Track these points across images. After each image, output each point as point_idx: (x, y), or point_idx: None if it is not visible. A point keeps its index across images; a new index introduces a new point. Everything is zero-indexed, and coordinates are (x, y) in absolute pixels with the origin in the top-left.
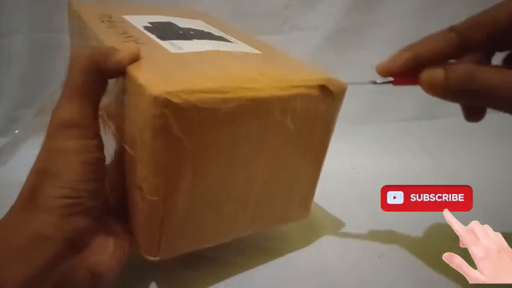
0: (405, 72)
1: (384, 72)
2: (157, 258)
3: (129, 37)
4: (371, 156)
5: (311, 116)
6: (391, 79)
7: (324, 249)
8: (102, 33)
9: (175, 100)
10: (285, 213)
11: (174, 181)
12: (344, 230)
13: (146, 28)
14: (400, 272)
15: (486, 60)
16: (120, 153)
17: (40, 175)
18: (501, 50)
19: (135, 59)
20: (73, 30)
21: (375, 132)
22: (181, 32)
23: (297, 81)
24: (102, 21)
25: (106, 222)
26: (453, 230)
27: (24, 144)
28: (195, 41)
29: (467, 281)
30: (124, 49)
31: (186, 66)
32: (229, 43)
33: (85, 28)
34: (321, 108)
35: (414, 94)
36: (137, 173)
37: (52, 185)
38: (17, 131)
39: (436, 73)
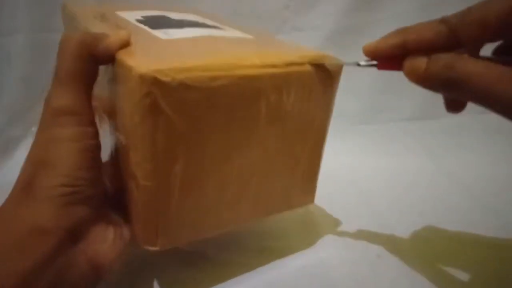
0: (391, 56)
1: (370, 53)
2: (156, 248)
3: (120, 29)
4: (371, 156)
5: (308, 96)
6: (375, 62)
7: (323, 249)
8: (94, 27)
9: (162, 78)
10: (288, 198)
11: (167, 165)
12: (344, 230)
13: (138, 21)
14: (399, 273)
15: (475, 50)
16: (116, 146)
17: (36, 165)
18: (491, 41)
19: (125, 44)
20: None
21: (375, 132)
22: (174, 22)
23: (290, 58)
24: (95, 18)
25: (105, 213)
26: (451, 231)
27: (20, 144)
28: (186, 29)
29: (466, 282)
30: (113, 34)
31: (176, 49)
32: (222, 30)
33: (79, 26)
34: (318, 87)
35: (414, 94)
36: (131, 161)
37: (49, 174)
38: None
39: (418, 61)
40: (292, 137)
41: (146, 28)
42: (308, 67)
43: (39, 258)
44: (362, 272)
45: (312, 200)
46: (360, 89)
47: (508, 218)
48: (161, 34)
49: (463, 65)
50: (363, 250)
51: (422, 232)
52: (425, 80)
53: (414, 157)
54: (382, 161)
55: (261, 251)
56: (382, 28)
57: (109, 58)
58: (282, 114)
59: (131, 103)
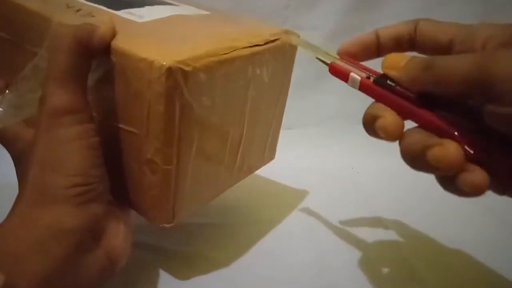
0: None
1: (341, 51)
2: (171, 224)
3: (79, 10)
4: (371, 156)
5: (278, 67)
6: (328, 61)
7: (322, 249)
8: (45, 9)
9: (186, 68)
10: (261, 157)
11: (186, 147)
12: (343, 230)
13: None
14: (400, 274)
15: None
16: (110, 139)
17: (44, 167)
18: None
19: (115, 33)
20: None
21: None
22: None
23: (267, 37)
24: None
25: (112, 208)
26: (452, 231)
27: None
28: (147, 8)
29: (465, 282)
30: (101, 24)
31: (167, 34)
32: (176, 6)
33: (11, 11)
34: (284, 58)
35: None
36: (145, 149)
37: (62, 175)
38: None
39: (400, 56)
40: (267, 104)
41: (104, 8)
42: (278, 43)
43: (60, 257)
44: (362, 273)
45: (274, 157)
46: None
47: (508, 217)
48: (129, 16)
49: (442, 60)
50: (363, 251)
51: (422, 232)
52: (403, 74)
53: None
54: (382, 161)
55: (258, 252)
56: None
57: (104, 50)
58: (262, 85)
59: (153, 94)
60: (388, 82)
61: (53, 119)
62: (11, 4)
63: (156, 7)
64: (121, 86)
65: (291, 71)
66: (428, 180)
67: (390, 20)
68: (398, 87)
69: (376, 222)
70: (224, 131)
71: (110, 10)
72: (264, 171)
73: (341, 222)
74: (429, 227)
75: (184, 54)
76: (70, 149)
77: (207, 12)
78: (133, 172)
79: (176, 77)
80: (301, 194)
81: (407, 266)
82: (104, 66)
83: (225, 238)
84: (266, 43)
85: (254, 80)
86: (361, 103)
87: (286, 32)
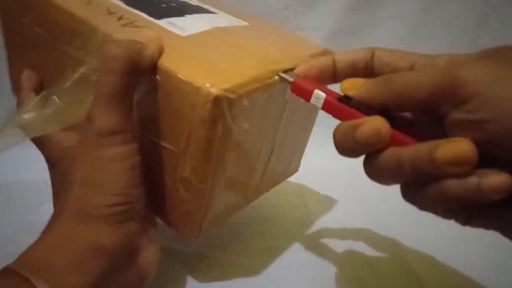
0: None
1: (299, 73)
2: (197, 238)
3: (120, 18)
4: None
5: None
6: (291, 79)
7: (321, 248)
8: (87, 15)
9: (231, 96)
10: (285, 171)
11: (221, 167)
12: (344, 230)
13: (124, 2)
14: (400, 273)
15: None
16: (148, 152)
17: (86, 185)
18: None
19: (162, 51)
20: (15, 19)
21: None
22: (163, 5)
23: (307, 57)
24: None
25: (144, 225)
26: (451, 231)
27: None
28: (187, 16)
29: (466, 282)
30: (149, 42)
31: (212, 53)
32: (214, 14)
33: (50, 10)
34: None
35: None
36: (181, 166)
37: (103, 194)
38: None
39: (357, 79)
40: (299, 121)
41: (145, 16)
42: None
43: (98, 274)
44: (363, 272)
45: (298, 169)
46: None
47: None
48: (171, 27)
49: (398, 76)
50: (363, 251)
51: (422, 232)
52: (363, 93)
53: None
54: None
55: (261, 251)
56: (382, 28)
57: (152, 69)
58: (297, 105)
59: (196, 118)
60: (353, 101)
61: (99, 139)
62: (53, 5)
63: (195, 16)
64: (163, 104)
65: None
66: None
67: (390, 20)
68: (362, 106)
69: (376, 222)
70: (256, 150)
71: (151, 18)
72: None
73: (341, 222)
74: (429, 227)
75: (230, 81)
76: (114, 168)
77: (246, 23)
78: (166, 186)
79: (222, 105)
80: (300, 192)
81: (407, 266)
82: (148, 83)
83: (225, 238)
84: (305, 63)
85: (290, 101)
86: None
87: (325, 51)
